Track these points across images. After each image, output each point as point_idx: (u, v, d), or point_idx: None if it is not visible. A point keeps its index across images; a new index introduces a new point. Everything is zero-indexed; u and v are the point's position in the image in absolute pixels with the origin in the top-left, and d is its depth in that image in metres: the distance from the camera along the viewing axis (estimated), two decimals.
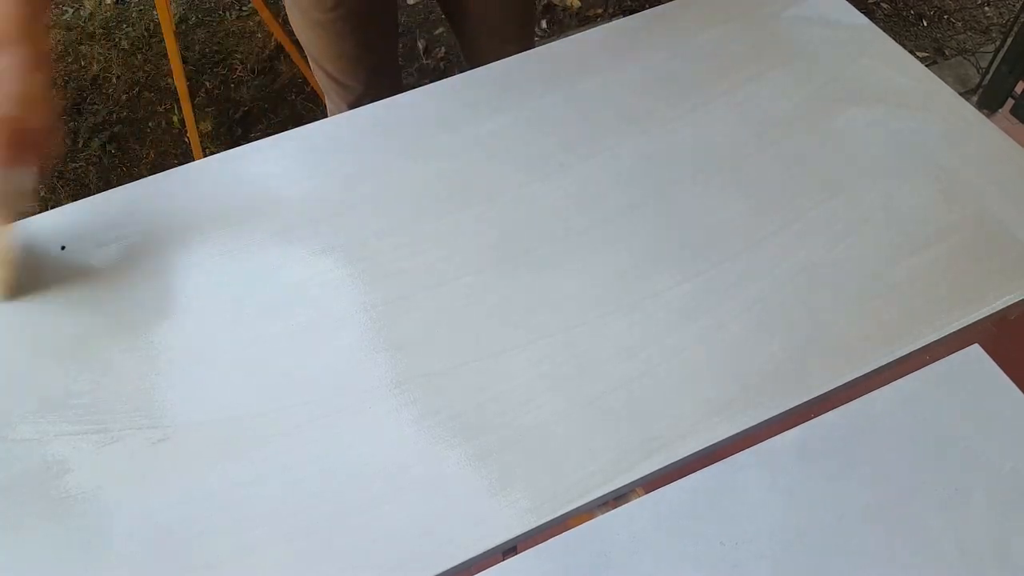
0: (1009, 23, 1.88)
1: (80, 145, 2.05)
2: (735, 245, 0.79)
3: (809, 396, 0.69)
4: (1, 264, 0.78)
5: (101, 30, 2.29)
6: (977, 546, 0.62)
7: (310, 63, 1.25)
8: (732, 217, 0.81)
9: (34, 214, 0.83)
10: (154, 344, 0.74)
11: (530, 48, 1.20)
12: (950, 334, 0.73)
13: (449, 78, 0.94)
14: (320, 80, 1.25)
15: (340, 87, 1.23)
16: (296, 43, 1.95)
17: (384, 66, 1.26)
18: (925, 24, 2.30)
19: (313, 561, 0.62)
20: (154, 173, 0.86)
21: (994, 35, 2.25)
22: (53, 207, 0.85)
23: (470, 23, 1.26)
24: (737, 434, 0.68)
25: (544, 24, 2.29)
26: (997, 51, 1.90)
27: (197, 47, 2.25)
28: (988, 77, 1.94)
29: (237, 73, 2.20)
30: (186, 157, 2.01)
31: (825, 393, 0.70)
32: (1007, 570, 0.61)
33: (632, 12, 1.02)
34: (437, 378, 0.71)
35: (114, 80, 2.18)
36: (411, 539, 0.63)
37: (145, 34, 2.28)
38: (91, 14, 2.33)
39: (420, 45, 2.28)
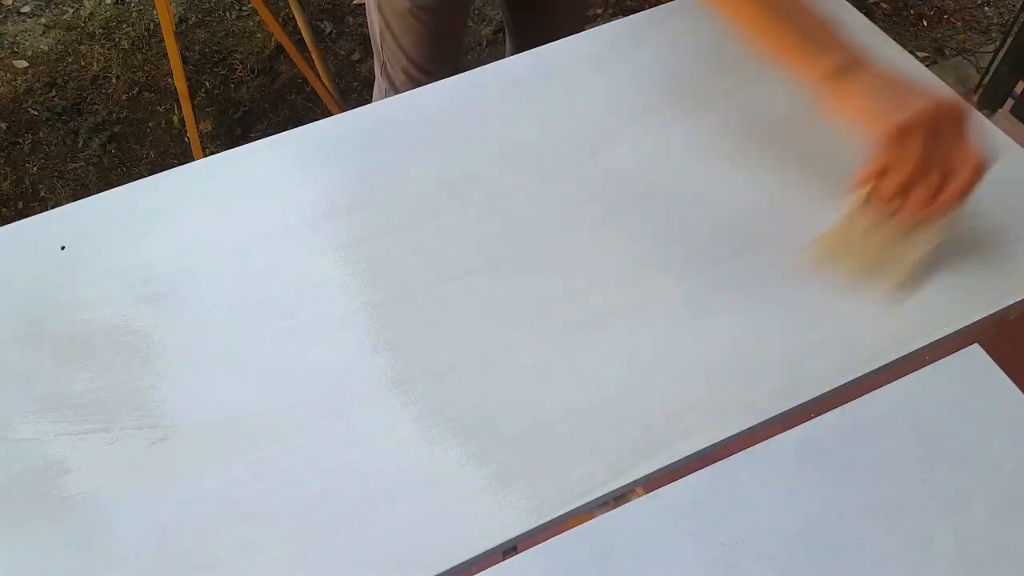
0: (1009, 23, 1.88)
1: (80, 145, 2.05)
2: (735, 245, 0.79)
3: (809, 396, 0.69)
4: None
5: (101, 30, 2.29)
6: (977, 546, 0.62)
7: (384, 56, 1.26)
8: (732, 217, 0.81)
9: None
10: (154, 344, 0.74)
11: (580, 31, 1.21)
12: (950, 334, 0.73)
13: (449, 78, 0.94)
14: (396, 73, 1.26)
15: (424, 75, 1.25)
16: (298, 43, 1.95)
17: (459, 57, 1.30)
18: (925, 24, 2.30)
19: (313, 561, 0.62)
20: (154, 173, 0.86)
21: (994, 35, 2.25)
22: (53, 207, 0.85)
23: (531, 10, 1.28)
24: (737, 434, 0.68)
25: None
26: (997, 51, 1.90)
27: (197, 47, 2.25)
28: (988, 77, 1.94)
29: (237, 73, 2.20)
30: (186, 157, 2.01)
31: (825, 393, 0.70)
32: (1007, 570, 0.61)
33: (632, 12, 1.02)
34: (437, 378, 0.71)
35: (114, 80, 2.18)
36: (411, 539, 0.63)
37: (145, 34, 2.28)
38: (91, 14, 2.33)
39: None
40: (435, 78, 1.24)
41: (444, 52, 1.24)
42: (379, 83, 1.32)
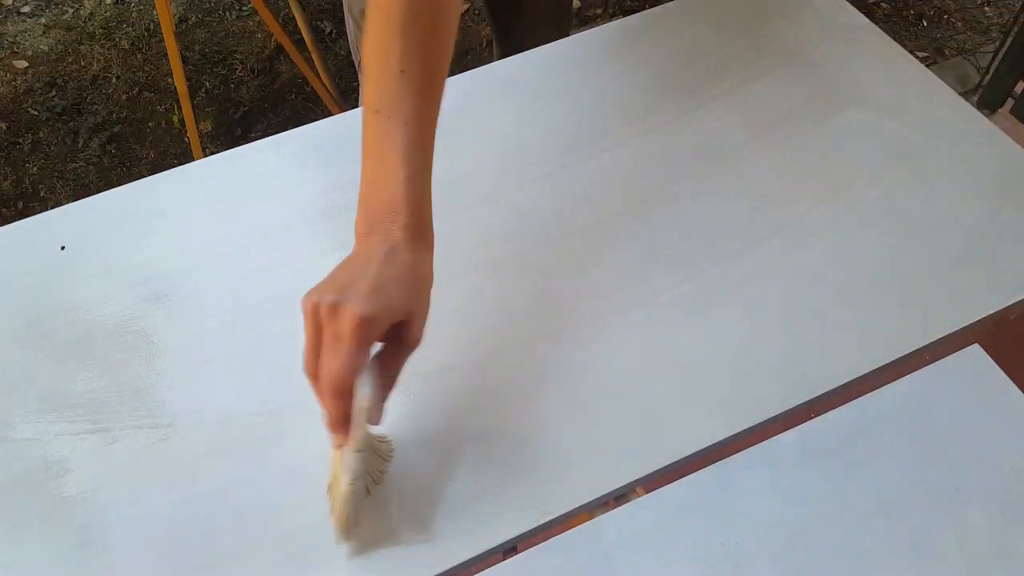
0: (1009, 23, 1.88)
1: (80, 145, 2.05)
2: (735, 245, 0.79)
3: (809, 396, 0.69)
4: (341, 500, 0.59)
5: (101, 30, 2.29)
6: (977, 546, 0.62)
7: (358, 55, 1.25)
8: (732, 217, 0.81)
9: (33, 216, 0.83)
10: (154, 344, 0.74)
11: (567, 33, 1.19)
12: (950, 334, 0.73)
13: (448, 78, 0.94)
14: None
15: None
16: (298, 43, 1.95)
17: None
18: (925, 24, 2.30)
19: (313, 561, 0.62)
20: (154, 173, 0.86)
21: (994, 35, 2.25)
22: (53, 207, 0.85)
23: (511, 4, 1.28)
24: (737, 434, 0.68)
25: None
26: (997, 51, 1.90)
27: (197, 47, 2.25)
28: (988, 77, 1.94)
29: (237, 73, 2.20)
30: (186, 157, 2.01)
31: (825, 393, 0.70)
32: (1007, 570, 0.61)
33: (632, 12, 1.02)
34: (437, 378, 0.71)
35: (114, 80, 2.18)
36: (411, 539, 0.63)
37: (145, 34, 2.28)
38: (91, 14, 2.33)
39: None
40: None
41: None
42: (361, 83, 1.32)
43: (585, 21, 2.31)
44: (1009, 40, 1.86)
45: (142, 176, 0.87)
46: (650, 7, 1.01)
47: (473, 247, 0.79)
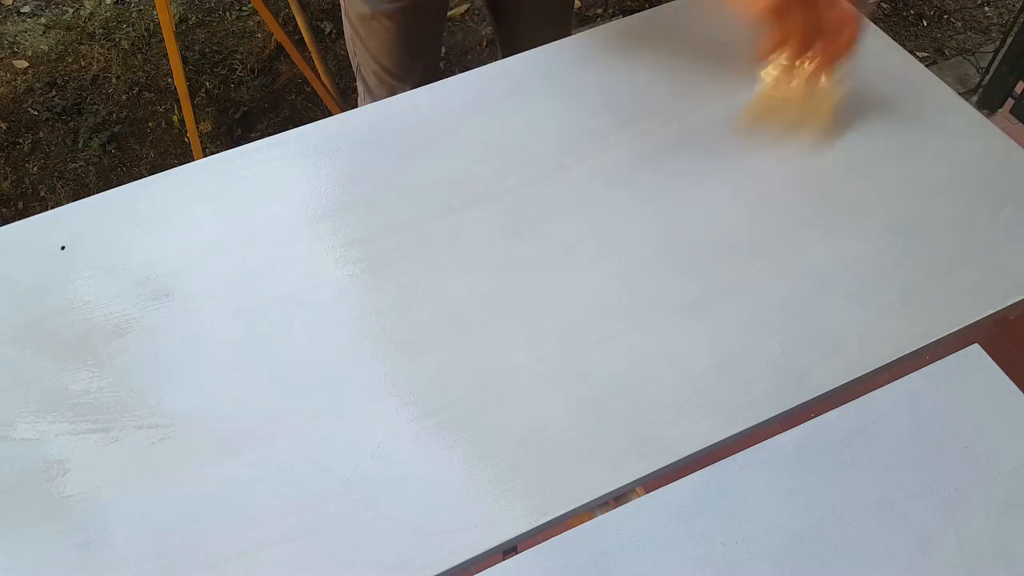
0: (1009, 23, 1.88)
1: (80, 145, 2.05)
2: (735, 245, 0.79)
3: (809, 396, 0.69)
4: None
5: (101, 30, 2.29)
6: (977, 546, 0.62)
7: (357, 59, 1.25)
8: (732, 217, 0.81)
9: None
10: (154, 344, 0.74)
11: (568, 34, 1.20)
12: (950, 334, 0.73)
13: (449, 78, 0.94)
14: (369, 76, 1.26)
15: (395, 80, 1.24)
16: (298, 43, 1.96)
17: (435, 59, 1.28)
18: (925, 24, 2.30)
19: (313, 561, 0.62)
20: (154, 173, 0.86)
21: (994, 35, 2.25)
22: (53, 207, 0.85)
23: (512, 6, 1.28)
24: (737, 434, 0.68)
25: None
26: (997, 51, 1.90)
27: (197, 47, 2.25)
28: (988, 77, 1.94)
29: (237, 73, 2.20)
30: (186, 157, 2.01)
31: (825, 393, 0.70)
32: (1007, 570, 0.61)
33: (632, 12, 1.02)
34: (437, 378, 0.71)
35: (114, 80, 2.18)
36: (411, 539, 0.63)
37: (145, 34, 2.28)
38: (91, 14, 2.33)
39: None
40: (407, 81, 1.24)
41: (414, 55, 1.22)
42: (359, 86, 1.33)
43: (585, 21, 2.31)
44: (1009, 40, 1.86)
45: (142, 176, 0.87)
46: (650, 7, 1.01)
47: (473, 247, 0.79)
